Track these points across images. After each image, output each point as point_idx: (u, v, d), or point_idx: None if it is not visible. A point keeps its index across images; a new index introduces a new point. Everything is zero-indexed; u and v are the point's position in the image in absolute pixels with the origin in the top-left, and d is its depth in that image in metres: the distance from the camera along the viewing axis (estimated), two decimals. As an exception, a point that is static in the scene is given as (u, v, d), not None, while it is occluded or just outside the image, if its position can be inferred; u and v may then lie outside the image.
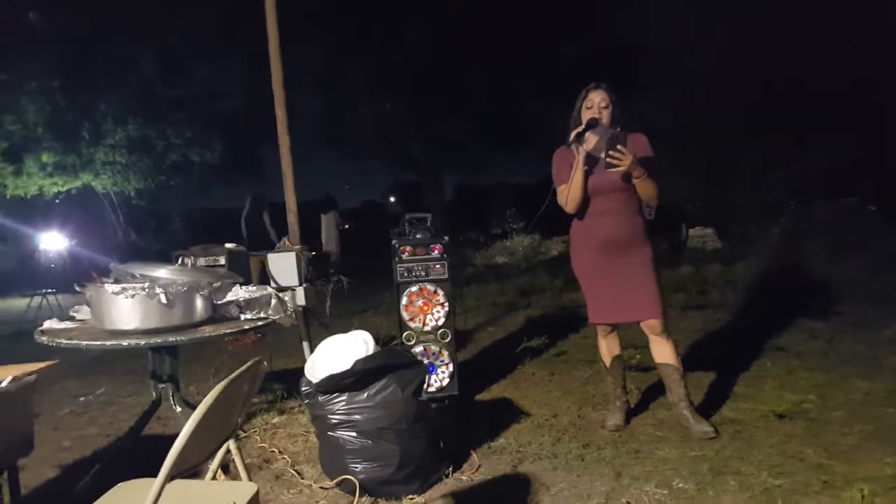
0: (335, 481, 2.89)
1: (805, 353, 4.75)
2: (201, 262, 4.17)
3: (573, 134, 3.25)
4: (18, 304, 10.81)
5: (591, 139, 3.24)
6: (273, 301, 3.37)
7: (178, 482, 1.85)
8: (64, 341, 2.88)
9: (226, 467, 2.88)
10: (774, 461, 2.92)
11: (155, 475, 1.49)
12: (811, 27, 9.71)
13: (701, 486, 2.72)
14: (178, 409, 3.32)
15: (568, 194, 3.35)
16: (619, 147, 3.11)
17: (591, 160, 3.30)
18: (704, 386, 4.10)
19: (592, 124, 3.23)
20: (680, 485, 2.75)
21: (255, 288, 3.50)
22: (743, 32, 10.56)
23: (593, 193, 3.34)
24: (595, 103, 3.30)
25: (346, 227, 9.06)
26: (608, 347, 3.59)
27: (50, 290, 10.72)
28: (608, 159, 3.13)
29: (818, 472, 2.78)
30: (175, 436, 1.49)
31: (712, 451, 3.08)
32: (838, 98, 9.95)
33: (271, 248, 8.97)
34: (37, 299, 10.42)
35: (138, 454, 3.19)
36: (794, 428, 3.31)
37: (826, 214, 9.92)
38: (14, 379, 2.43)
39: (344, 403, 2.88)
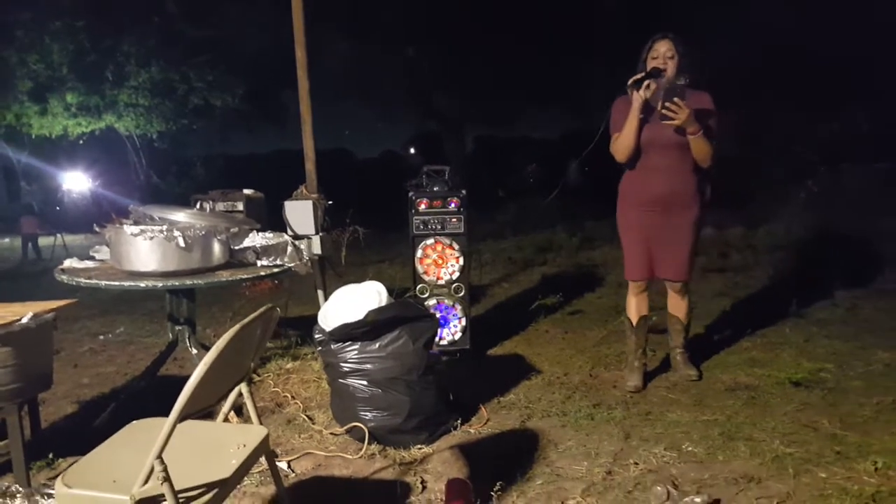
0: (345, 428, 2.93)
1: (825, 320, 4.68)
2: (220, 206, 4.17)
3: (631, 80, 3.14)
4: (45, 242, 11.00)
5: (651, 87, 3.13)
6: (289, 248, 3.38)
7: (189, 422, 1.87)
8: (83, 280, 2.92)
9: (239, 410, 2.93)
10: (788, 429, 2.89)
11: (169, 415, 1.50)
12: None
13: (711, 451, 2.71)
14: (194, 350, 3.37)
15: (619, 142, 3.27)
16: (675, 100, 3.01)
17: (648, 111, 3.19)
18: (720, 349, 4.07)
19: (655, 74, 3.12)
20: (689, 448, 2.74)
21: (271, 235, 3.50)
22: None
23: (647, 146, 3.25)
24: (661, 53, 3.17)
25: None
26: (637, 306, 3.55)
27: (54, 231, 10.93)
28: (663, 111, 3.05)
29: (832, 442, 2.75)
30: (189, 377, 1.49)
31: (724, 415, 3.06)
32: (872, 62, 9.61)
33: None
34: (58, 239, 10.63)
35: (154, 393, 3.26)
36: (810, 396, 3.27)
37: (856, 178, 9.66)
38: (34, 316, 2.47)
39: (356, 352, 2.89)
